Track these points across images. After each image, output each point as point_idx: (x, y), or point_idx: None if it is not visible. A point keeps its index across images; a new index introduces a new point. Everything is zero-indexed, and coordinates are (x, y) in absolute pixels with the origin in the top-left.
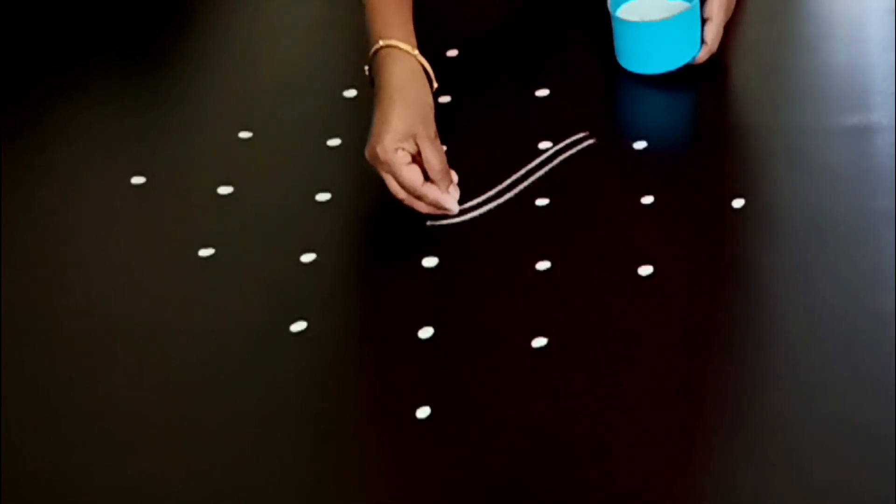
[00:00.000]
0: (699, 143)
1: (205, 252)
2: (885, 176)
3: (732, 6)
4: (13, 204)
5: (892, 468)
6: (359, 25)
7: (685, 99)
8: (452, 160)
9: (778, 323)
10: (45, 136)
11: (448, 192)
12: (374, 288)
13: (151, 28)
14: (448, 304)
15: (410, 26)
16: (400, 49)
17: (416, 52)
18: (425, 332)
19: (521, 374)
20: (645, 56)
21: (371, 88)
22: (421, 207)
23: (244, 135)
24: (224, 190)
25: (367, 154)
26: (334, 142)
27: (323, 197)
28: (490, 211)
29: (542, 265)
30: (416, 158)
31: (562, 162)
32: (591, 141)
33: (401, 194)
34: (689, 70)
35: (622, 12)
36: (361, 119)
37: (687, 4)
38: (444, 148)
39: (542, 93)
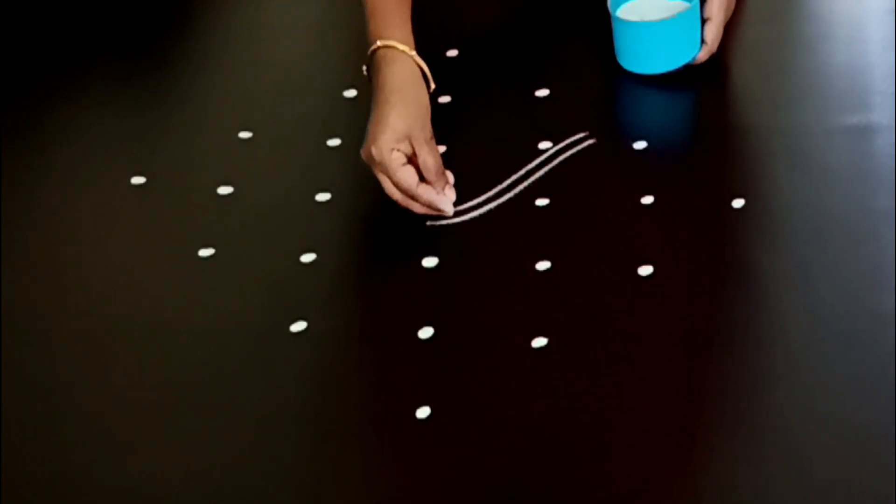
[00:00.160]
0: (699, 143)
1: (205, 252)
2: (885, 176)
3: (732, 6)
4: (13, 204)
5: (892, 468)
6: (359, 25)
7: (685, 99)
8: (452, 160)
9: (778, 323)
10: (45, 136)
11: (444, 194)
12: (374, 288)
13: (151, 28)
14: (448, 304)
15: (409, 27)
16: (397, 50)
17: (414, 53)
18: (425, 332)
19: (521, 374)
20: (645, 56)
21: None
22: (416, 208)
23: (244, 135)
24: (224, 190)
25: (363, 154)
26: (334, 142)
27: (323, 197)
28: (490, 211)
29: (542, 265)
30: (413, 160)
31: (562, 162)
32: (591, 141)
33: (396, 195)
34: (689, 70)
35: (622, 12)
36: (361, 119)
37: (687, 4)
38: (444, 149)
39: (542, 93)
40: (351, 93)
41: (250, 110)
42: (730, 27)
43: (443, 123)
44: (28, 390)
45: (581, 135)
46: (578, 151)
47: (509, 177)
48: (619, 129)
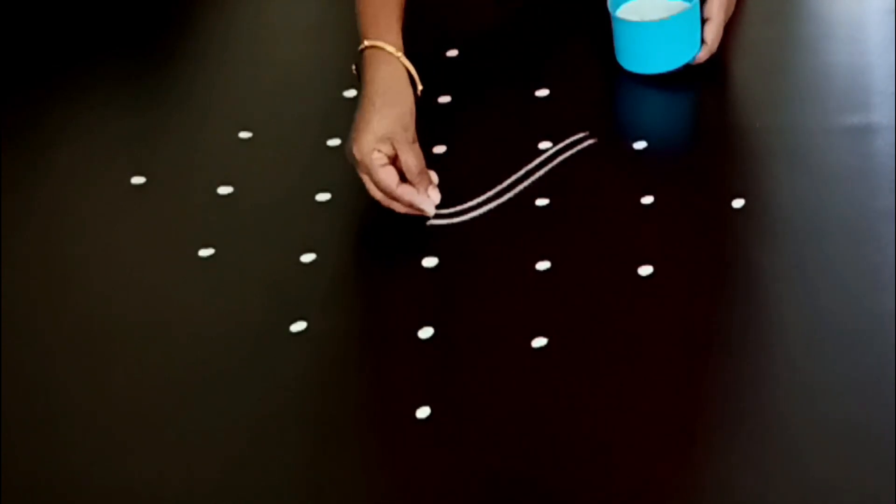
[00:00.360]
0: (699, 143)
1: (205, 252)
2: (885, 176)
3: (732, 6)
4: (13, 204)
5: (892, 468)
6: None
7: (685, 99)
8: (452, 160)
9: (778, 323)
10: (45, 136)
11: (426, 194)
12: (374, 288)
13: (151, 28)
14: (448, 304)
15: (397, 28)
16: (385, 51)
17: (401, 54)
18: (425, 332)
19: (521, 374)
20: (645, 56)
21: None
22: (398, 208)
23: (244, 135)
24: (224, 190)
25: (346, 153)
26: (334, 142)
27: (323, 197)
28: (490, 211)
29: (542, 265)
30: (396, 160)
31: (562, 162)
32: (591, 141)
33: (377, 195)
34: (689, 70)
35: (622, 12)
36: None
37: (687, 4)
38: (444, 149)
39: (542, 93)
40: (351, 93)
41: (250, 110)
42: (730, 27)
43: (443, 123)
44: (28, 390)
45: (581, 135)
46: (578, 151)
47: (509, 177)
48: (619, 129)
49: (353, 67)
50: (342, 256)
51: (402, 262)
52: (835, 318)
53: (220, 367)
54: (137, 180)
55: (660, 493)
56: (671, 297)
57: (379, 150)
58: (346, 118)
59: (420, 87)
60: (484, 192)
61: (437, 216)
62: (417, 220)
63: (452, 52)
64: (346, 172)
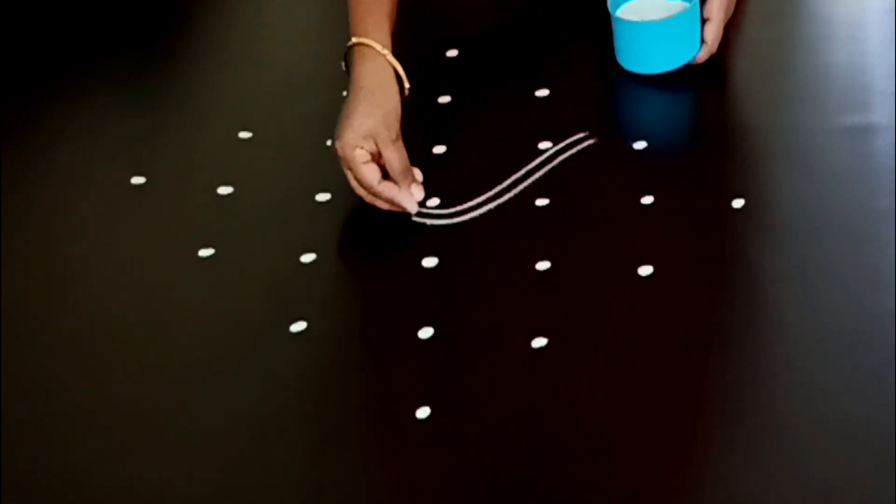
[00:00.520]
0: (699, 143)
1: (205, 252)
2: (885, 176)
3: (732, 6)
4: (13, 204)
5: (892, 468)
6: None
7: (685, 99)
8: (452, 160)
9: (778, 323)
10: (45, 136)
11: (408, 192)
12: (374, 288)
13: (151, 28)
14: (448, 304)
15: (387, 26)
16: (372, 49)
17: (388, 52)
18: (425, 332)
19: (521, 374)
20: (645, 56)
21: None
22: (380, 205)
23: (244, 135)
24: (224, 190)
25: (331, 149)
26: None
27: (323, 197)
28: (490, 211)
29: (542, 265)
30: (381, 157)
31: (562, 162)
32: (591, 141)
33: (360, 191)
34: (689, 70)
35: (622, 12)
36: None
37: (687, 4)
38: (444, 149)
39: (542, 93)
40: None
41: (250, 110)
42: (730, 27)
43: (443, 123)
44: (28, 390)
45: (581, 135)
46: (578, 151)
47: (509, 177)
48: (619, 129)
49: (343, 64)
50: (342, 256)
51: (402, 262)
52: (835, 318)
53: (220, 367)
54: (137, 180)
55: (660, 493)
56: (671, 297)
57: (361, 148)
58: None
59: (407, 86)
60: (484, 192)
61: (437, 216)
62: (417, 220)
63: (452, 52)
64: None
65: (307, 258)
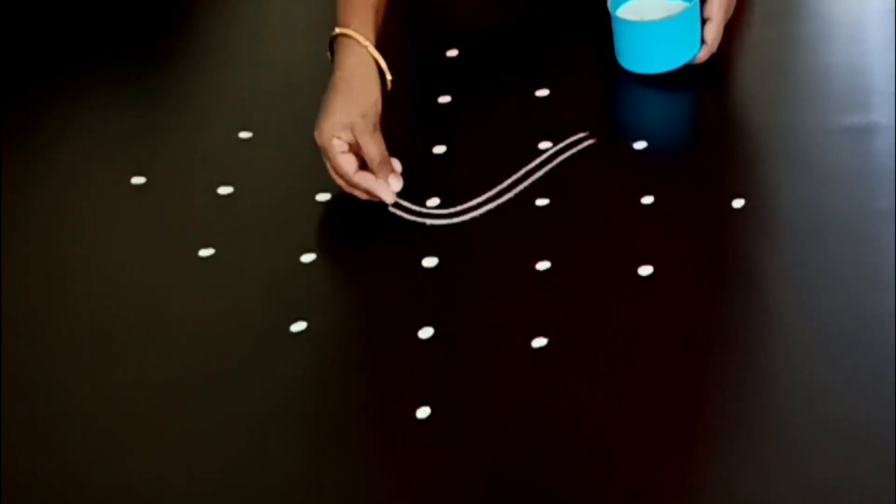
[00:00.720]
0: (699, 143)
1: (205, 252)
2: (885, 176)
3: (732, 6)
4: (13, 204)
5: (892, 468)
6: None
7: (685, 99)
8: (452, 160)
9: (778, 322)
10: (45, 136)
11: (385, 182)
12: (374, 288)
13: (151, 28)
14: (448, 304)
15: (372, 18)
16: (355, 41)
17: (369, 44)
18: (425, 332)
19: (521, 374)
20: (645, 56)
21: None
22: (358, 194)
23: (244, 135)
24: (224, 190)
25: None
26: None
27: (323, 197)
28: (490, 211)
29: (542, 265)
30: (358, 147)
31: (562, 162)
32: (591, 141)
33: (338, 181)
34: (689, 70)
35: (622, 12)
36: None
37: (687, 4)
38: (444, 149)
39: (542, 93)
40: None
41: (250, 110)
42: (730, 27)
43: (443, 123)
44: (28, 390)
45: (581, 135)
46: (578, 151)
47: (509, 177)
48: (619, 129)
49: (329, 53)
50: (342, 256)
51: (402, 262)
52: (835, 318)
53: (220, 367)
54: (137, 180)
55: (660, 493)
56: (671, 297)
57: (339, 138)
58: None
59: (389, 78)
60: (484, 192)
61: (437, 216)
62: (417, 220)
63: (452, 52)
64: None
65: (307, 258)
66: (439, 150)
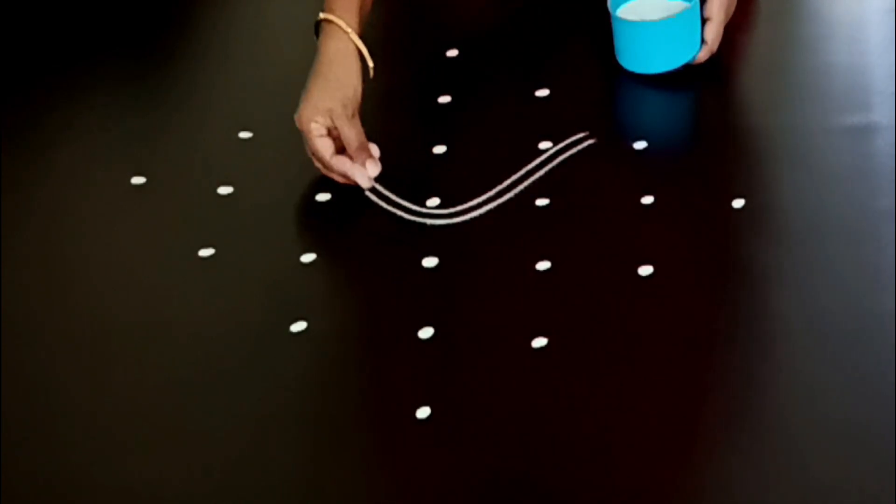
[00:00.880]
0: (699, 143)
1: (205, 252)
2: (885, 176)
3: (733, 6)
4: (13, 204)
5: (892, 468)
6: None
7: (685, 99)
8: (452, 160)
9: (778, 322)
10: (45, 136)
11: (362, 167)
12: (374, 288)
13: (151, 28)
14: (448, 304)
15: (355, 4)
16: (338, 27)
17: (351, 31)
18: (425, 332)
19: (521, 374)
20: (645, 56)
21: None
22: (336, 178)
23: (244, 135)
24: (224, 190)
25: None
26: None
27: (323, 197)
28: (490, 211)
29: (542, 265)
30: (337, 132)
31: (562, 162)
32: (591, 141)
33: (316, 164)
34: (689, 70)
35: (622, 12)
36: (362, 119)
37: (687, 4)
38: (444, 149)
39: (542, 93)
40: None
41: (250, 110)
42: (730, 27)
43: (443, 123)
44: (28, 390)
45: (581, 135)
46: (578, 151)
47: (509, 177)
48: (619, 129)
49: (316, 37)
50: (342, 256)
51: (402, 262)
52: (835, 318)
53: (220, 367)
54: (137, 180)
55: (660, 493)
56: (671, 297)
57: (317, 122)
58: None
59: (371, 65)
60: (484, 192)
61: (437, 216)
62: (417, 220)
63: (452, 52)
64: None
65: (307, 258)
66: (439, 150)
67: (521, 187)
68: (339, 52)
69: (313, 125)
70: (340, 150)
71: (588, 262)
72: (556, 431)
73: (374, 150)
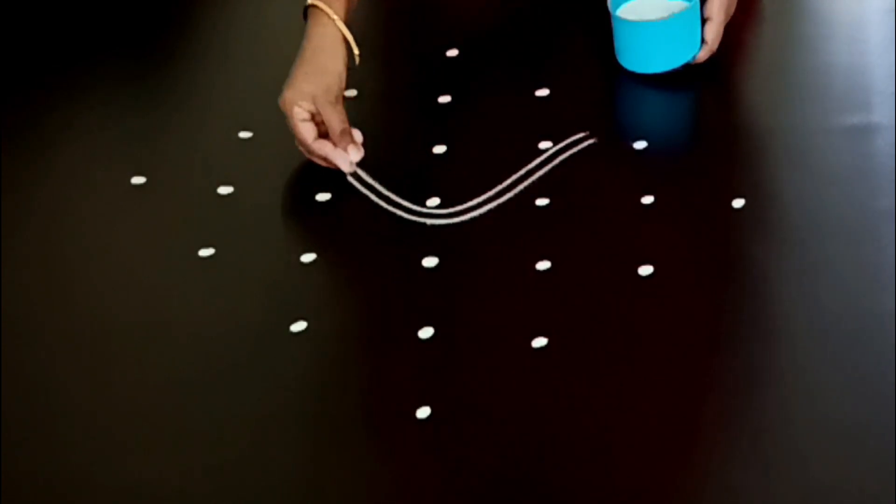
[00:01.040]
0: (699, 143)
1: (205, 252)
2: (885, 176)
3: (733, 6)
4: (13, 204)
5: (892, 468)
6: (359, 26)
7: (685, 99)
8: (452, 160)
9: (778, 323)
10: (45, 136)
11: (343, 151)
12: (374, 288)
13: (151, 28)
14: (448, 304)
15: None
16: (323, 12)
17: (337, 17)
18: (425, 332)
19: (521, 374)
20: (645, 55)
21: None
22: (318, 161)
23: (244, 135)
24: (224, 190)
25: None
26: None
27: (323, 197)
28: (490, 211)
29: (542, 265)
30: (321, 116)
31: (562, 162)
32: (591, 141)
33: (300, 147)
34: (689, 70)
35: (622, 12)
36: (362, 119)
37: (687, 4)
38: (444, 148)
39: (542, 93)
40: (351, 92)
41: (250, 110)
42: (730, 27)
43: (443, 123)
44: (28, 390)
45: (581, 135)
46: (578, 151)
47: (509, 177)
48: (619, 129)
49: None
50: (342, 256)
51: (402, 262)
52: (835, 318)
53: (220, 367)
54: (137, 180)
55: (660, 493)
56: (671, 297)
57: (300, 106)
58: (347, 118)
59: (357, 52)
60: (484, 192)
61: (437, 216)
62: (417, 220)
63: (452, 52)
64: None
65: (307, 258)
66: (439, 150)
67: (521, 187)
68: (324, 39)
69: (296, 109)
70: (325, 135)
71: (588, 262)
72: (556, 431)
73: (357, 135)
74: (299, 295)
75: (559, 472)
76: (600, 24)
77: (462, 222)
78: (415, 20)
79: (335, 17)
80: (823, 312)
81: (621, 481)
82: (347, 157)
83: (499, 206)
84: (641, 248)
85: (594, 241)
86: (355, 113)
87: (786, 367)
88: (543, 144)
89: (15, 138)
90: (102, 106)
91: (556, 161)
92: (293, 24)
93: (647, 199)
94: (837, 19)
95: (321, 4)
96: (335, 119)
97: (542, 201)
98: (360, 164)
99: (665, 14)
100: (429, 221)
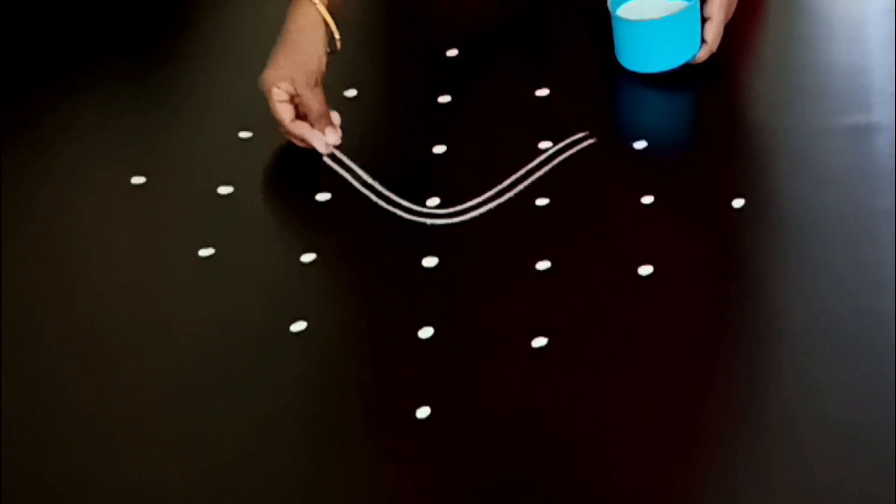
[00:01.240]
0: (699, 143)
1: (205, 252)
2: (885, 176)
3: (733, 6)
4: (13, 204)
5: (892, 468)
6: (359, 26)
7: (685, 99)
8: (452, 160)
9: (778, 323)
10: (45, 136)
11: (320, 133)
12: (374, 288)
13: (151, 28)
14: (448, 304)
15: None
16: None
17: (319, 2)
18: (425, 332)
19: (521, 374)
20: (645, 55)
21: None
22: (295, 142)
23: (244, 135)
24: (224, 190)
25: None
26: None
27: (323, 197)
28: (490, 211)
29: (542, 265)
30: (300, 98)
31: (562, 162)
32: (591, 141)
33: (279, 127)
34: (689, 70)
35: (622, 11)
36: (362, 119)
37: (687, 3)
38: (444, 148)
39: (542, 93)
40: (351, 92)
41: (250, 110)
42: (730, 27)
43: (443, 123)
44: (28, 390)
45: (581, 135)
46: (578, 151)
47: (509, 177)
48: (619, 129)
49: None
50: (342, 256)
51: (402, 262)
52: (835, 318)
53: (220, 367)
54: (137, 180)
55: (660, 493)
56: (671, 297)
57: (279, 87)
58: (347, 118)
59: (338, 37)
60: (484, 192)
61: (437, 216)
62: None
63: (452, 52)
64: (346, 172)
65: (307, 258)
66: (439, 150)
67: (521, 187)
68: (306, 22)
69: (275, 90)
70: (304, 116)
71: (588, 262)
72: (556, 431)
73: (336, 118)
74: (299, 295)
75: (559, 472)
76: (600, 24)
77: (462, 222)
78: (415, 20)
79: (317, 1)
80: (823, 312)
81: (621, 481)
82: (324, 138)
83: (499, 206)
84: (641, 248)
85: (594, 241)
86: (355, 113)
87: (785, 367)
88: (543, 144)
89: (15, 138)
90: (102, 106)
91: (556, 161)
92: None
93: (647, 199)
94: (837, 19)
95: None
96: (313, 102)
97: (542, 201)
98: (359, 164)
99: (665, 14)
100: (429, 221)
